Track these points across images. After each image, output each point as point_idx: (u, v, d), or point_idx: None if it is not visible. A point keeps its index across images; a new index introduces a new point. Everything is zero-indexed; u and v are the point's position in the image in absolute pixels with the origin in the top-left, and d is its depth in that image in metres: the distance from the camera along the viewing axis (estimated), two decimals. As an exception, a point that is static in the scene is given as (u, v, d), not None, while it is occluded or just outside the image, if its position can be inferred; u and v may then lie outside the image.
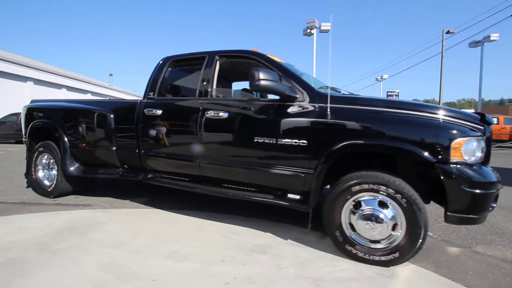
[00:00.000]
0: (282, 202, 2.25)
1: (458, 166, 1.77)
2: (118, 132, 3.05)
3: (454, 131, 1.80)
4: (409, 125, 1.87)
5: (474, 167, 1.79)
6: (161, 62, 3.01)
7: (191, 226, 2.65)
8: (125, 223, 2.68)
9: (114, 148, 3.08)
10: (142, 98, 2.96)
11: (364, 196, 1.95)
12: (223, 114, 2.42)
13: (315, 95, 2.17)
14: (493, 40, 16.42)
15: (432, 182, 2.00)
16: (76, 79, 21.89)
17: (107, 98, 4.02)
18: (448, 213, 1.81)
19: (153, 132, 2.83)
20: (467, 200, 1.75)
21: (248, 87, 3.39)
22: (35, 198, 3.40)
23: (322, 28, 15.83)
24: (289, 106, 2.20)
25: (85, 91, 22.89)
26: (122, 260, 1.96)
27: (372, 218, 1.90)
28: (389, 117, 1.93)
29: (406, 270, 1.91)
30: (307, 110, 2.13)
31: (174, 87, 3.04)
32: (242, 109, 2.39)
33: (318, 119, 2.07)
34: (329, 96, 2.04)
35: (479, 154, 1.81)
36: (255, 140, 2.28)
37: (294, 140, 2.13)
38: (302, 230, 2.57)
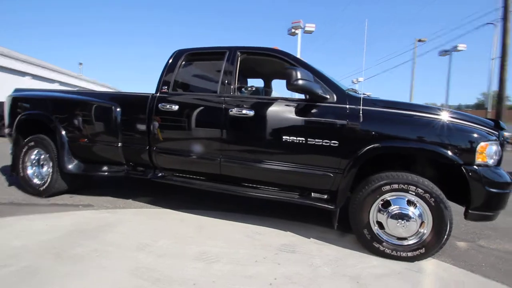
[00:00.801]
0: (309, 202, 2.28)
1: (481, 168, 1.91)
2: (124, 127, 2.86)
3: (479, 136, 1.94)
4: (438, 129, 1.98)
5: (493, 169, 1.95)
6: (174, 55, 2.87)
7: (208, 226, 2.58)
8: (137, 224, 2.53)
9: (119, 144, 2.88)
10: (154, 93, 2.80)
11: (393, 196, 2.04)
12: (249, 112, 2.38)
13: (345, 97, 2.21)
14: (460, 50, 18.06)
15: (450, 182, 2.14)
16: (42, 67, 20.04)
17: (76, 90, 3.53)
18: (470, 211, 1.96)
19: (168, 129, 2.69)
20: (489, 199, 1.90)
21: (253, 84, 3.37)
22: (24, 198, 3.07)
23: (306, 29, 16.14)
24: (318, 106, 2.22)
25: (52, 80, 21.03)
26: (150, 264, 1.85)
27: (402, 216, 2.00)
28: (419, 121, 2.03)
29: (430, 265, 2.03)
30: (338, 111, 2.17)
31: (190, 82, 2.91)
32: (270, 107, 2.36)
33: (350, 121, 2.11)
34: (362, 99, 2.10)
35: (496, 157, 1.98)
36: (283, 140, 2.27)
37: (324, 141, 2.16)
38: (320, 228, 2.62)
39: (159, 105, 2.69)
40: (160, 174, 2.84)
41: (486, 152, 1.91)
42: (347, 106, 2.16)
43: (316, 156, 2.20)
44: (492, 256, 2.24)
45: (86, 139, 2.92)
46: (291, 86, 2.06)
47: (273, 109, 2.35)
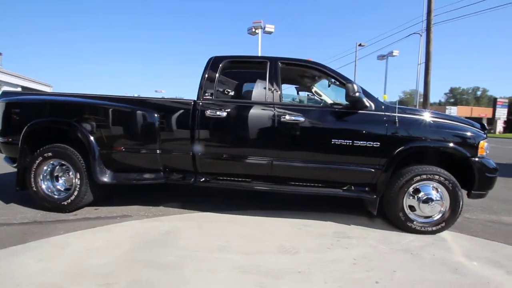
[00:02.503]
0: (354, 194, 2.69)
1: (481, 159, 2.59)
2: (164, 133, 2.83)
3: (478, 135, 2.62)
4: (453, 130, 2.59)
5: (487, 159, 2.65)
6: (211, 61, 2.94)
7: (260, 224, 2.77)
8: (195, 229, 2.58)
9: (158, 151, 2.84)
10: (196, 99, 2.83)
11: (421, 184, 2.59)
12: (300, 119, 2.66)
13: (381, 105, 2.67)
14: (395, 56, 21.22)
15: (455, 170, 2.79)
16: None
17: (103, 95, 2.99)
18: (473, 192, 2.63)
19: (216, 135, 2.78)
20: (486, 182, 2.60)
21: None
22: (43, 215, 2.76)
23: (266, 29, 16.72)
24: (362, 113, 2.63)
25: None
26: (247, 261, 2.01)
27: (429, 200, 2.56)
28: (440, 125, 2.62)
29: (448, 235, 2.64)
30: (378, 117, 2.62)
31: (231, 89, 3.01)
32: (318, 114, 2.68)
33: (389, 125, 2.58)
34: (397, 108, 2.59)
35: (488, 151, 2.69)
36: (332, 142, 2.62)
37: (368, 142, 2.59)
38: (350, 216, 3.05)
39: (206, 111, 2.75)
40: (203, 179, 2.90)
41: (484, 147, 2.60)
42: (385, 113, 2.62)
43: (362, 156, 2.62)
44: (479, 224, 3.00)
45: (122, 147, 2.78)
46: (350, 98, 2.44)
47: (321, 115, 2.69)
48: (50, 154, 2.79)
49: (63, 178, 2.94)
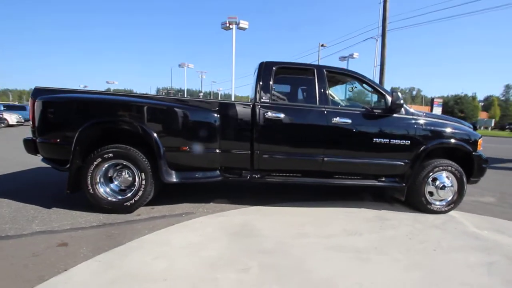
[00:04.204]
0: (386, 184, 3.25)
1: (478, 153, 3.36)
2: (224, 133, 3.01)
3: (476, 134, 3.38)
4: (460, 131, 3.31)
5: (481, 153, 3.44)
6: (264, 66, 3.19)
7: (312, 213, 3.15)
8: (263, 222, 2.84)
9: (218, 151, 3.01)
10: (255, 101, 3.06)
11: (438, 173, 3.26)
12: (348, 120, 3.10)
13: (409, 109, 3.25)
14: (355, 58, 23.23)
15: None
16: None
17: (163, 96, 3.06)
18: (471, 179, 3.40)
19: (274, 135, 3.05)
20: (481, 171, 3.38)
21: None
22: (106, 217, 2.73)
23: (240, 25, 16.82)
24: (397, 116, 3.18)
25: None
26: (331, 242, 2.40)
27: (444, 186, 3.24)
28: (452, 126, 3.31)
29: (455, 214, 3.38)
30: (409, 120, 3.19)
31: (283, 92, 3.28)
32: (362, 116, 3.15)
33: (417, 127, 3.18)
34: (424, 112, 3.19)
35: (482, 147, 3.48)
36: (374, 141, 3.13)
37: (402, 141, 3.15)
38: (376, 203, 3.63)
39: (265, 113, 3.01)
40: (258, 175, 3.17)
41: (481, 143, 3.37)
42: (413, 117, 3.22)
43: (396, 152, 3.18)
44: (468, 205, 3.82)
45: (187, 147, 2.88)
46: (396, 105, 2.96)
47: (365, 118, 3.16)
48: (110, 155, 2.75)
49: (117, 179, 2.91)
